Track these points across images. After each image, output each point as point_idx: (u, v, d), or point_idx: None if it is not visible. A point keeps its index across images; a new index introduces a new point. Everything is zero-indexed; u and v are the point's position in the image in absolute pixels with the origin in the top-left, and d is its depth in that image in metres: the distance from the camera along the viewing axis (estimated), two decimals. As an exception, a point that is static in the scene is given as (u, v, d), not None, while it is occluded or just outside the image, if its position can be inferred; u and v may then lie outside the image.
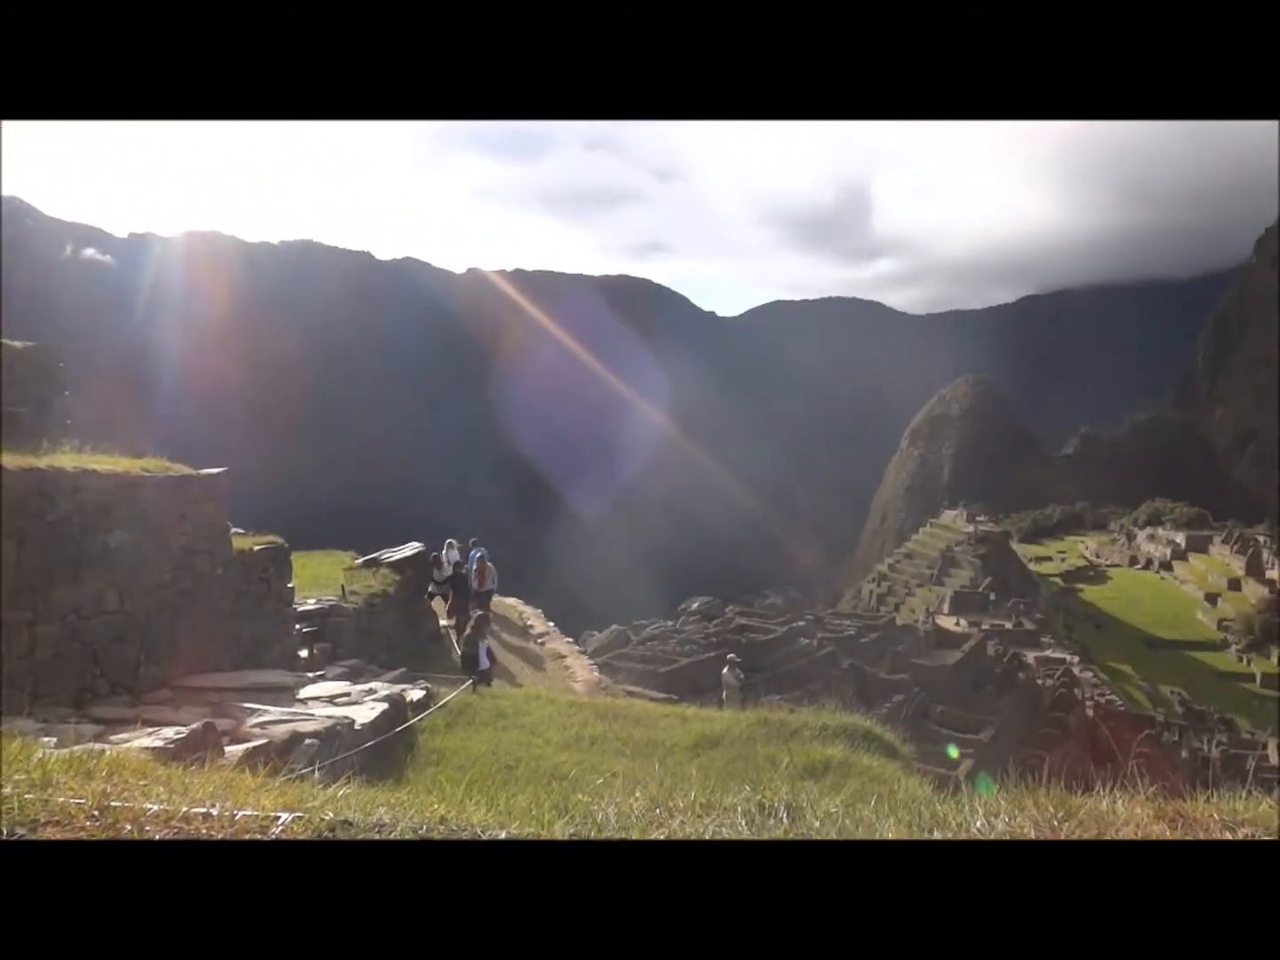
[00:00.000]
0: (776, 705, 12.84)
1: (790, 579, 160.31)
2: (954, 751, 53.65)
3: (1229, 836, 3.13)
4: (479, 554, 21.83)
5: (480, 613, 16.58)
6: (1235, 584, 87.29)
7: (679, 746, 8.29)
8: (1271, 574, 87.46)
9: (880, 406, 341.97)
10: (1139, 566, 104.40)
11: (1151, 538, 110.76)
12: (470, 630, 15.24)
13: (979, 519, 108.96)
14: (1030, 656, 59.27)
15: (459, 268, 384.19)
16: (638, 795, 3.54)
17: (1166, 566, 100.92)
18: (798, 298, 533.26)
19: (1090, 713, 52.68)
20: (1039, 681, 53.40)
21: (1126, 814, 3.32)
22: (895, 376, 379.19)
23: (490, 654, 14.99)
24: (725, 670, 20.47)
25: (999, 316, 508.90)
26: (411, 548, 22.14)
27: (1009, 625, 66.83)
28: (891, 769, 7.31)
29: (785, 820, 3.28)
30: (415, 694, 11.97)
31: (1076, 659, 64.19)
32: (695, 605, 61.45)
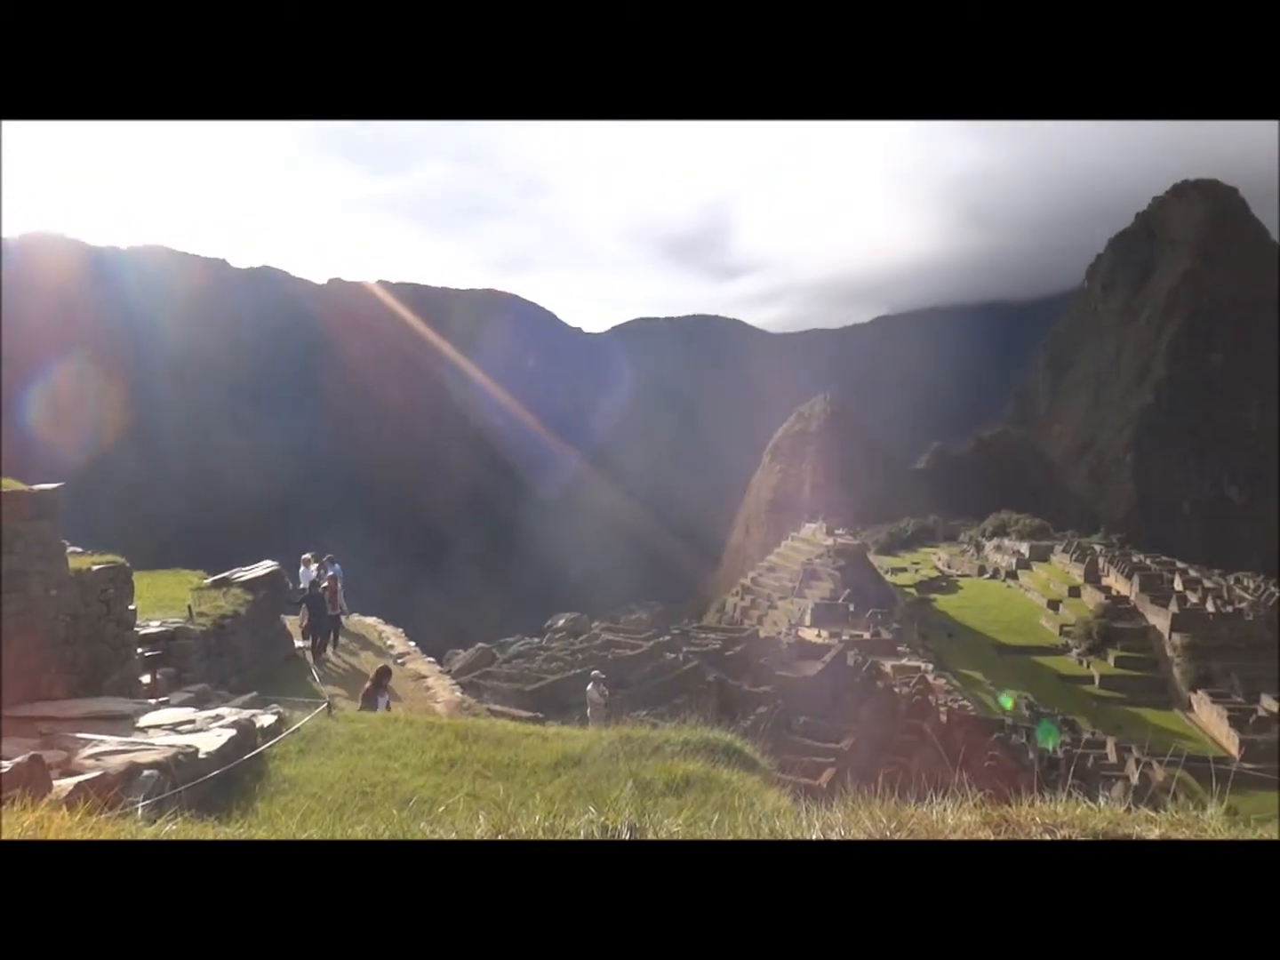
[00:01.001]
0: (640, 721, 12.84)
1: (657, 593, 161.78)
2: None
3: (1049, 838, 3.17)
4: (333, 571, 21.13)
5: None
6: (1075, 591, 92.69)
7: (540, 766, 8.16)
8: (1107, 581, 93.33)
9: (743, 422, 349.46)
10: (987, 576, 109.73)
11: (998, 548, 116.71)
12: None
13: (838, 532, 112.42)
14: (888, 665, 61.30)
15: (320, 278, 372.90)
16: (480, 820, 3.42)
17: (1012, 575, 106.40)
18: (663, 315, 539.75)
19: (944, 718, 54.90)
20: (896, 689, 55.27)
21: (955, 821, 3.34)
22: (757, 393, 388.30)
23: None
24: (590, 687, 20.38)
25: (854, 336, 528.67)
26: (265, 566, 21.24)
27: (867, 635, 69.01)
28: (751, 782, 7.36)
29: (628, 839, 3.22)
30: (266, 719, 11.42)
31: (931, 667, 66.76)
32: (562, 621, 61.25)
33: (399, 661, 20.52)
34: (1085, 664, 79.47)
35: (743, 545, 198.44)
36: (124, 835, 3.26)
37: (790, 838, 3.27)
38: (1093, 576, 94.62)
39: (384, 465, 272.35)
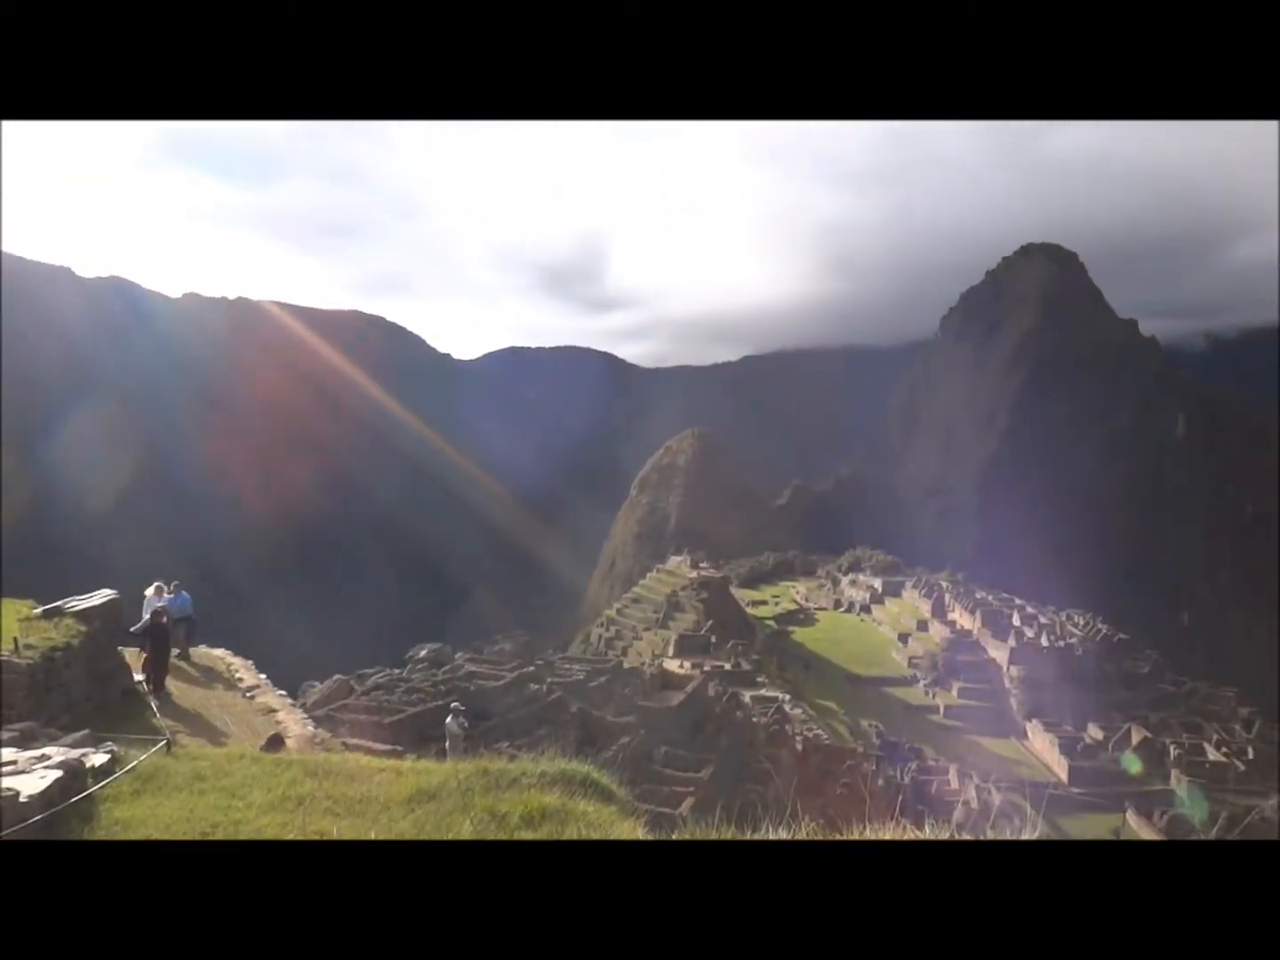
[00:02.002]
0: (501, 753, 12.69)
1: (521, 624, 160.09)
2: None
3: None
4: (181, 601, 20.16)
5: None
6: (923, 625, 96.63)
7: (393, 802, 7.96)
8: (953, 616, 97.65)
9: (612, 455, 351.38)
10: (843, 609, 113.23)
11: (853, 583, 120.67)
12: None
13: (702, 565, 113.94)
14: (747, 696, 62.32)
15: (175, 291, 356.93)
16: None
17: (866, 609, 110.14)
18: (534, 344, 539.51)
19: (800, 747, 56.15)
20: (755, 719, 56.23)
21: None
22: (626, 426, 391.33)
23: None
24: (449, 719, 20.00)
25: (722, 373, 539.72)
26: (102, 595, 20.03)
27: (728, 666, 69.99)
28: (607, 813, 7.39)
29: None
30: (98, 758, 10.77)
31: (788, 697, 68.20)
32: (424, 652, 59.73)
33: (248, 695, 19.70)
34: (931, 694, 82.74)
35: (609, 577, 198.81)
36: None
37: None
38: (939, 611, 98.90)
39: (237, 483, 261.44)
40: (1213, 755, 66.88)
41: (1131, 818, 57.58)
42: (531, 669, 47.58)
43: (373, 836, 5.76)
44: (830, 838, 3.09)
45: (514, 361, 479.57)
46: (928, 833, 3.72)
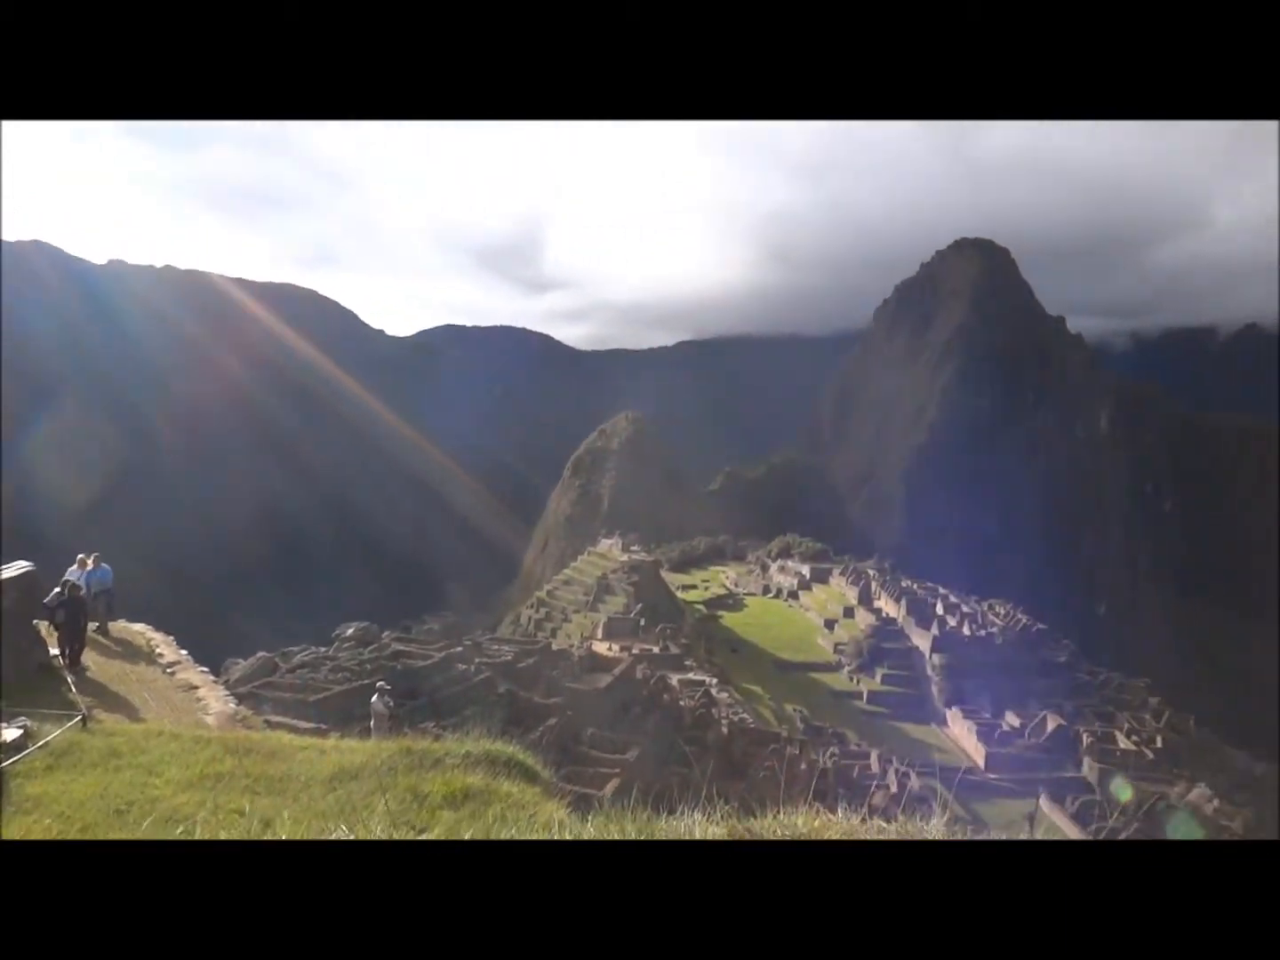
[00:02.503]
0: (426, 733, 12.66)
1: (450, 605, 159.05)
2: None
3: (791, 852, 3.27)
4: (101, 574, 19.62)
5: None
6: (850, 611, 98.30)
7: (315, 780, 7.91)
8: (878, 603, 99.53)
9: (546, 436, 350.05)
10: (771, 595, 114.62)
11: (782, 569, 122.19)
12: None
13: (633, 548, 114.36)
14: (674, 679, 62.83)
15: (100, 258, 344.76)
16: (224, 838, 3.32)
17: (794, 595, 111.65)
18: (470, 323, 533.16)
19: (726, 730, 56.87)
20: (682, 702, 56.76)
21: (703, 832, 3.44)
22: (561, 408, 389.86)
23: None
24: (375, 698, 19.85)
25: (657, 358, 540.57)
26: (17, 567, 19.41)
27: (656, 650, 70.47)
28: (531, 794, 7.44)
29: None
30: (10, 733, 10.52)
31: (715, 681, 68.95)
32: (350, 631, 59.00)
33: (168, 671, 19.29)
34: (855, 680, 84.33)
35: (540, 558, 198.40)
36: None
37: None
38: (866, 599, 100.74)
39: (165, 455, 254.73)
40: (1123, 743, 69.38)
41: (1045, 803, 59.48)
42: (460, 649, 47.38)
43: (286, 816, 5.72)
44: (828, 838, 3.11)
45: (450, 339, 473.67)
46: (839, 817, 3.80)
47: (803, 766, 53.04)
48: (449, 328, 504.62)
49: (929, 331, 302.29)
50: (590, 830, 3.46)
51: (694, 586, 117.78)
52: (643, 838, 3.39)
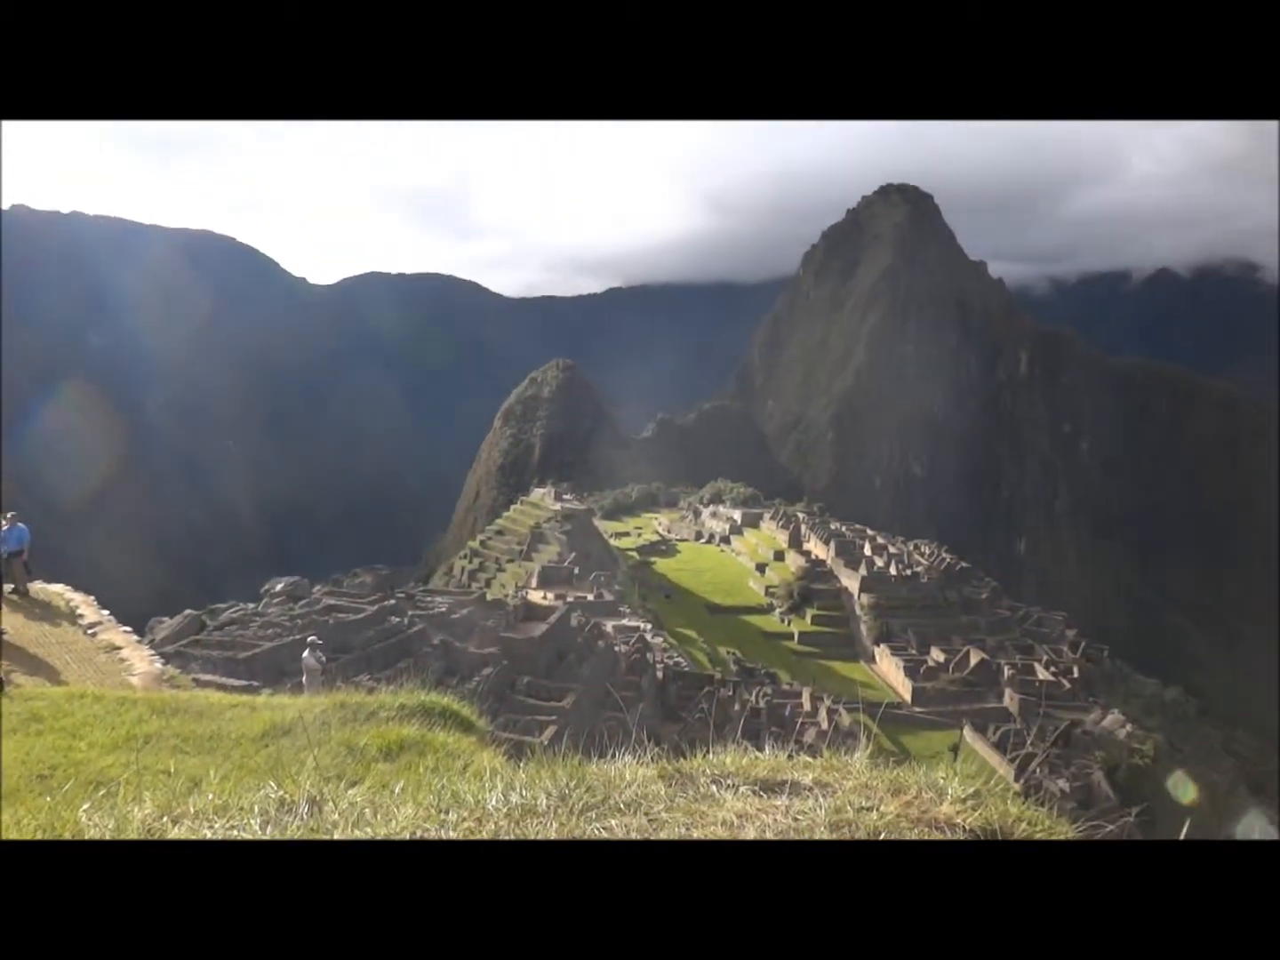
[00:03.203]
0: (360, 687, 12.55)
1: (383, 557, 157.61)
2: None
3: (715, 790, 3.33)
4: (18, 534, 18.92)
5: None
6: (780, 555, 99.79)
7: (246, 738, 7.78)
8: (808, 546, 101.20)
9: (476, 385, 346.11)
10: (703, 540, 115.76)
11: (714, 514, 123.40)
12: None
13: (565, 497, 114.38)
14: (609, 626, 63.35)
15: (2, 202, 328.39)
16: (146, 801, 3.24)
17: (726, 540, 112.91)
18: (394, 270, 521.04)
19: (660, 675, 57.67)
20: (617, 648, 57.30)
21: (632, 775, 3.47)
22: (490, 356, 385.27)
23: None
24: (306, 653, 19.60)
25: (587, 305, 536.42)
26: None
27: (591, 597, 70.88)
28: (466, 743, 7.43)
29: (305, 816, 3.17)
30: (-79, 701, 10.15)
31: (649, 626, 69.72)
32: (280, 586, 58.14)
33: (90, 632, 18.78)
34: (786, 622, 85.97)
35: (472, 509, 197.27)
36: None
37: (470, 799, 3.29)
38: (796, 542, 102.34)
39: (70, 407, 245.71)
40: (1042, 674, 72.03)
41: (968, 734, 61.68)
42: (392, 602, 47.05)
43: (214, 775, 5.60)
44: (823, 838, 3.11)
45: (374, 287, 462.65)
46: (766, 754, 3.85)
47: (736, 707, 54.12)
48: (373, 275, 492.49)
49: (855, 277, 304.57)
50: (522, 776, 3.45)
51: (627, 534, 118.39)
52: (575, 781, 3.40)
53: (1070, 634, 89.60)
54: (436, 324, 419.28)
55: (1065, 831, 3.43)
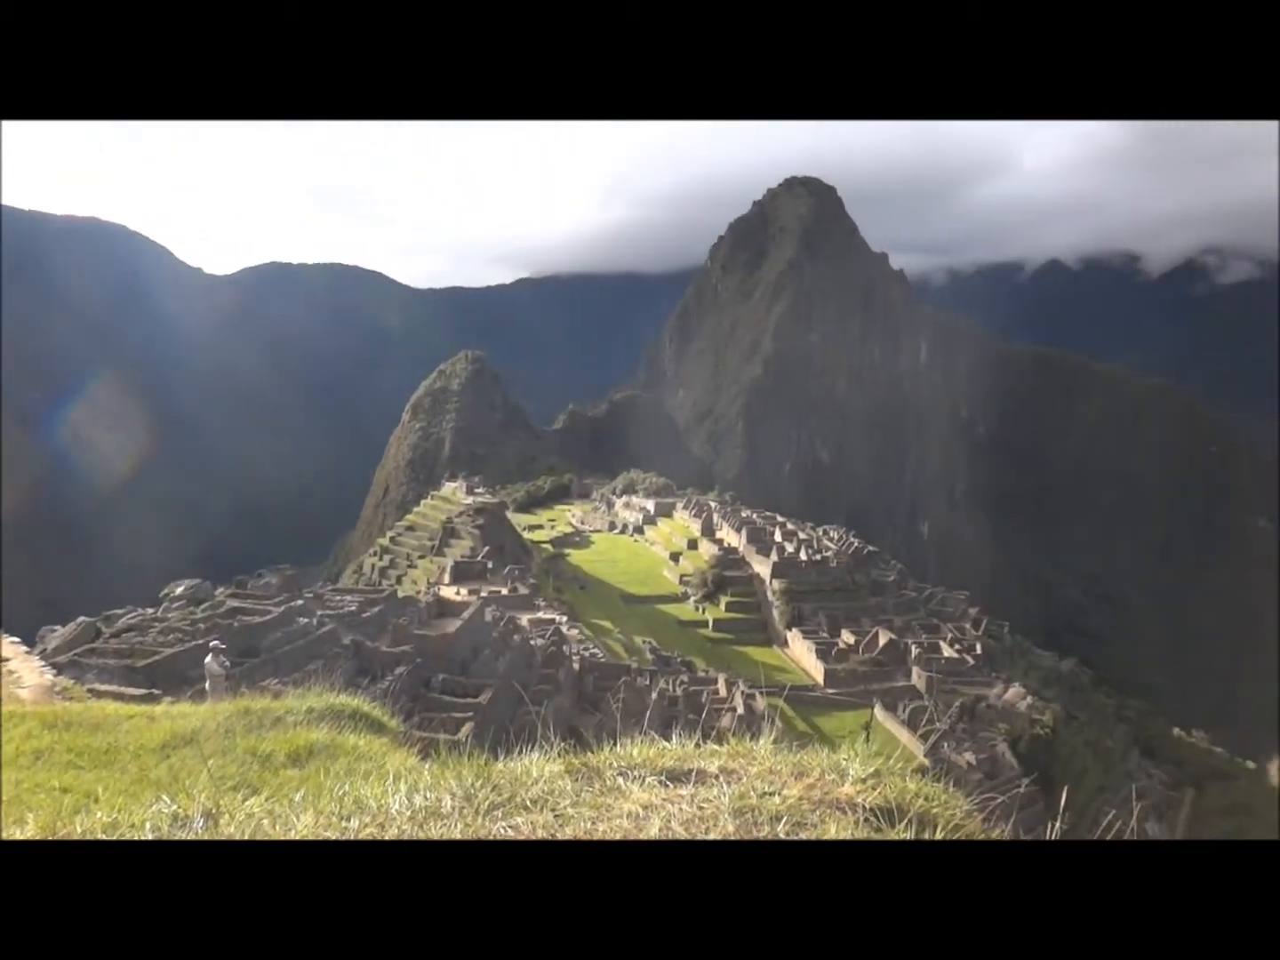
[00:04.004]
0: (267, 691, 12.23)
1: (289, 556, 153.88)
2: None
3: (621, 783, 3.37)
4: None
5: None
6: (693, 544, 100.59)
7: (145, 749, 7.50)
8: (720, 534, 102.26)
9: (383, 378, 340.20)
10: (617, 531, 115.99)
11: (627, 505, 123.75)
12: None
13: (477, 490, 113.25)
14: (524, 619, 62.98)
15: None
16: (29, 821, 3.11)
17: (639, 530, 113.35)
18: (296, 260, 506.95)
19: (577, 666, 57.63)
20: (533, 642, 57.03)
21: (539, 772, 3.49)
22: (398, 348, 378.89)
23: None
24: (209, 659, 19.02)
25: (496, 296, 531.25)
26: None
27: (505, 591, 70.36)
28: (378, 745, 7.30)
29: (200, 830, 3.10)
30: None
31: (565, 618, 69.57)
32: (180, 589, 56.14)
33: (-28, 644, 17.91)
34: (701, 610, 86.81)
35: (381, 505, 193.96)
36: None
37: (374, 804, 3.26)
38: (708, 531, 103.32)
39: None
40: (948, 652, 74.30)
41: (879, 712, 63.24)
42: (300, 602, 45.91)
43: (102, 790, 5.41)
44: (820, 839, 3.09)
45: (276, 278, 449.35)
46: (672, 744, 3.89)
47: (653, 696, 54.43)
48: (274, 265, 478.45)
49: (762, 269, 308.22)
50: (426, 778, 3.43)
51: (540, 526, 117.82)
52: (481, 780, 3.39)
53: (972, 612, 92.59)
54: (341, 315, 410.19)
55: (960, 805, 3.56)
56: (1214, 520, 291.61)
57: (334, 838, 2.96)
